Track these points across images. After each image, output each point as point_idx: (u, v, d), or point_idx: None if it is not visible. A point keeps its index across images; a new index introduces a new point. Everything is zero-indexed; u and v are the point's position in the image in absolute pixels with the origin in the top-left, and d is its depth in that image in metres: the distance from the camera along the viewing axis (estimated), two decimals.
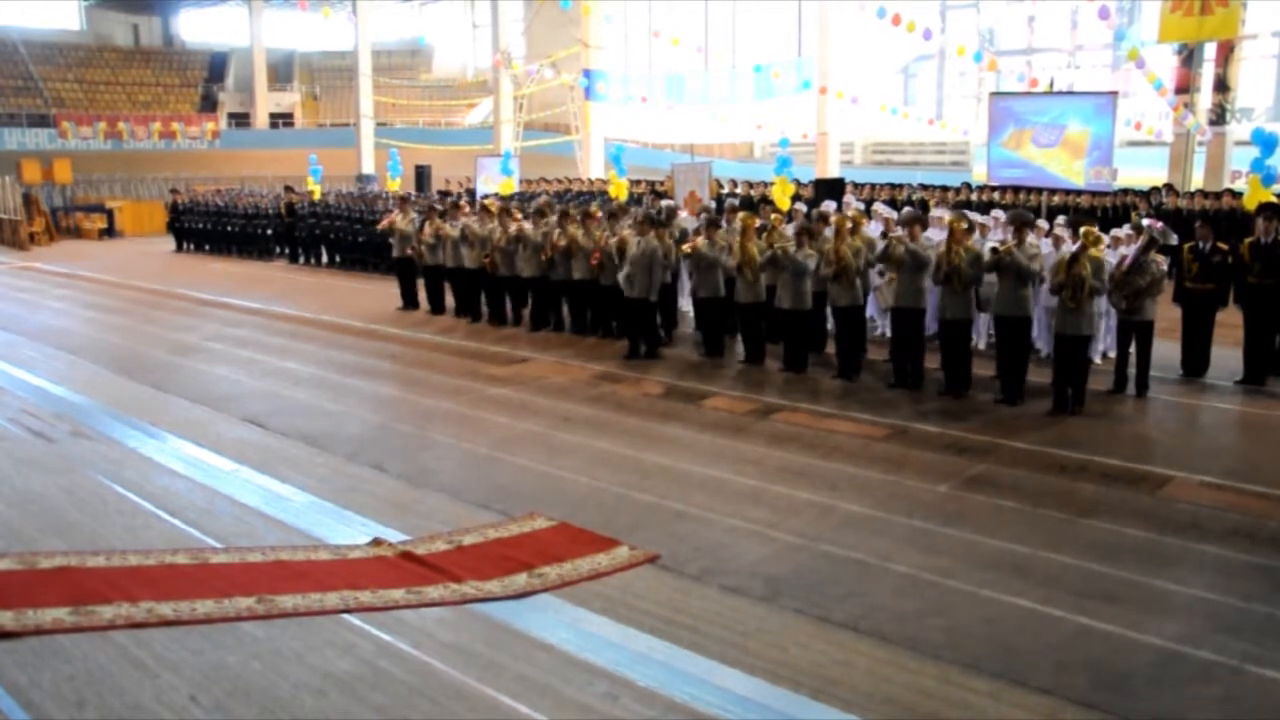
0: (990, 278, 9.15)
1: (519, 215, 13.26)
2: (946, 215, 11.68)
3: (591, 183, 25.88)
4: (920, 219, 9.96)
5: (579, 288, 12.28)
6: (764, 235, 10.76)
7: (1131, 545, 5.90)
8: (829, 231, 10.80)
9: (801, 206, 14.38)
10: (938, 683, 4.41)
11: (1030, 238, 9.18)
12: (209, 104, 41.26)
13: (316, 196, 24.15)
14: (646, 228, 11.21)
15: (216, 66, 43.07)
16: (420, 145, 32.58)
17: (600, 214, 12.46)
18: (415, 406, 9.37)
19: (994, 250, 9.09)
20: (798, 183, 20.44)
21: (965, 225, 9.31)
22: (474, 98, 40.56)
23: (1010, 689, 4.35)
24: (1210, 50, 20.08)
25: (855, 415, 8.78)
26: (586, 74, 30.44)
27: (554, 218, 12.59)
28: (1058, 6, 27.54)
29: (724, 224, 11.51)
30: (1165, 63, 21.18)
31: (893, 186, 20.25)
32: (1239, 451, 7.99)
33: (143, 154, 35.47)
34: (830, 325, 10.98)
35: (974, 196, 18.86)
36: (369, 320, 13.89)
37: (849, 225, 10.20)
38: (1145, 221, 9.74)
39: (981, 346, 10.75)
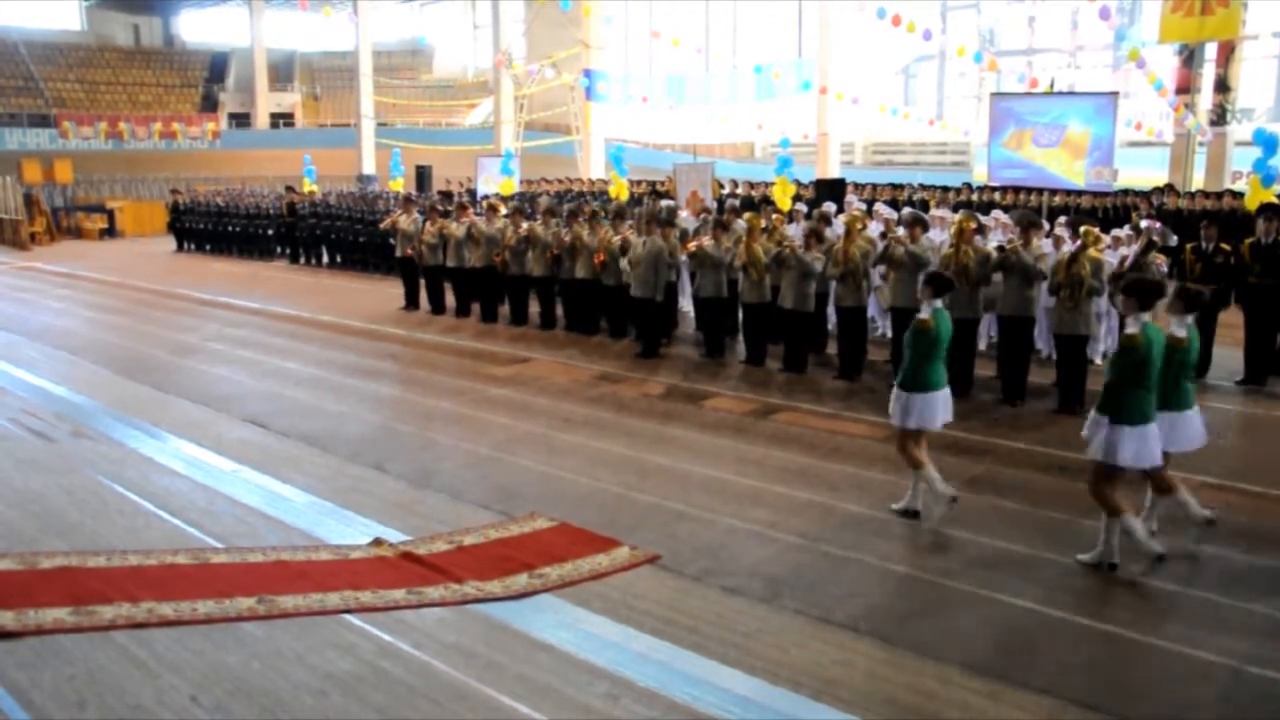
0: (995, 278, 9.17)
1: (520, 217, 13.29)
2: (948, 215, 11.70)
3: (592, 183, 25.89)
4: (921, 220, 9.97)
5: (582, 287, 12.29)
6: (767, 235, 10.76)
7: (1131, 546, 5.89)
8: (830, 232, 10.81)
9: (802, 207, 14.38)
10: (938, 683, 4.41)
11: (1035, 239, 9.20)
12: (210, 104, 41.25)
13: (315, 196, 24.16)
14: (652, 227, 11.22)
15: (217, 67, 43.06)
16: (421, 145, 32.57)
17: (602, 214, 12.49)
18: (416, 407, 9.38)
19: (1001, 250, 9.12)
20: (798, 183, 20.42)
21: (974, 225, 9.33)
22: (474, 98, 40.55)
23: (1010, 690, 4.35)
24: (1211, 50, 20.08)
25: (856, 416, 8.78)
26: (587, 74, 30.43)
27: (562, 217, 12.65)
28: (1058, 7, 27.54)
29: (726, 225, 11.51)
30: (1166, 63, 21.17)
31: (894, 187, 20.25)
32: (1239, 452, 7.98)
33: (143, 154, 35.46)
34: (831, 325, 10.98)
35: (975, 197, 18.87)
36: (370, 320, 13.89)
37: (859, 226, 10.20)
38: (1144, 223, 9.75)
39: (982, 347, 10.75)
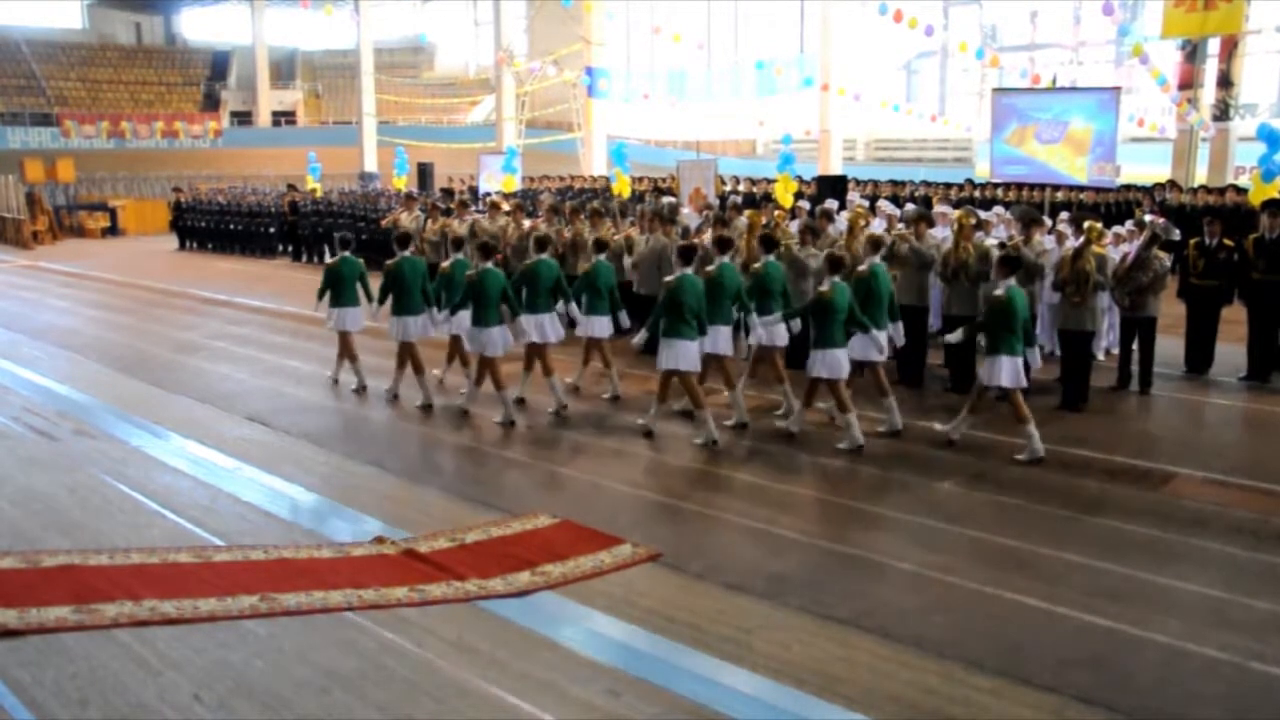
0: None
1: (519, 214, 13.26)
2: (949, 211, 11.66)
3: (594, 180, 25.86)
4: (926, 217, 9.94)
5: None
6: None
7: (1135, 542, 5.89)
8: (832, 229, 10.78)
9: (804, 204, 14.35)
10: (941, 680, 4.40)
11: (1037, 235, 9.17)
12: (211, 102, 41.30)
13: (318, 194, 24.16)
14: (655, 224, 11.20)
15: (219, 65, 43.10)
16: (423, 143, 32.56)
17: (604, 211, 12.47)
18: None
19: (1002, 246, 9.09)
20: (800, 180, 20.40)
21: (973, 221, 9.30)
22: (476, 95, 40.54)
23: (1014, 686, 4.34)
24: (1214, 45, 20.02)
25: (858, 412, 8.75)
26: (589, 71, 30.42)
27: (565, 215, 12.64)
28: (1060, 3, 27.51)
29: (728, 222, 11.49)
30: (1169, 58, 21.13)
31: (895, 183, 20.23)
32: (1243, 448, 7.98)
33: (145, 153, 35.50)
34: None
35: (977, 193, 18.84)
36: (372, 318, 13.83)
37: (862, 223, 10.17)
38: (1148, 218, 9.71)
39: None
